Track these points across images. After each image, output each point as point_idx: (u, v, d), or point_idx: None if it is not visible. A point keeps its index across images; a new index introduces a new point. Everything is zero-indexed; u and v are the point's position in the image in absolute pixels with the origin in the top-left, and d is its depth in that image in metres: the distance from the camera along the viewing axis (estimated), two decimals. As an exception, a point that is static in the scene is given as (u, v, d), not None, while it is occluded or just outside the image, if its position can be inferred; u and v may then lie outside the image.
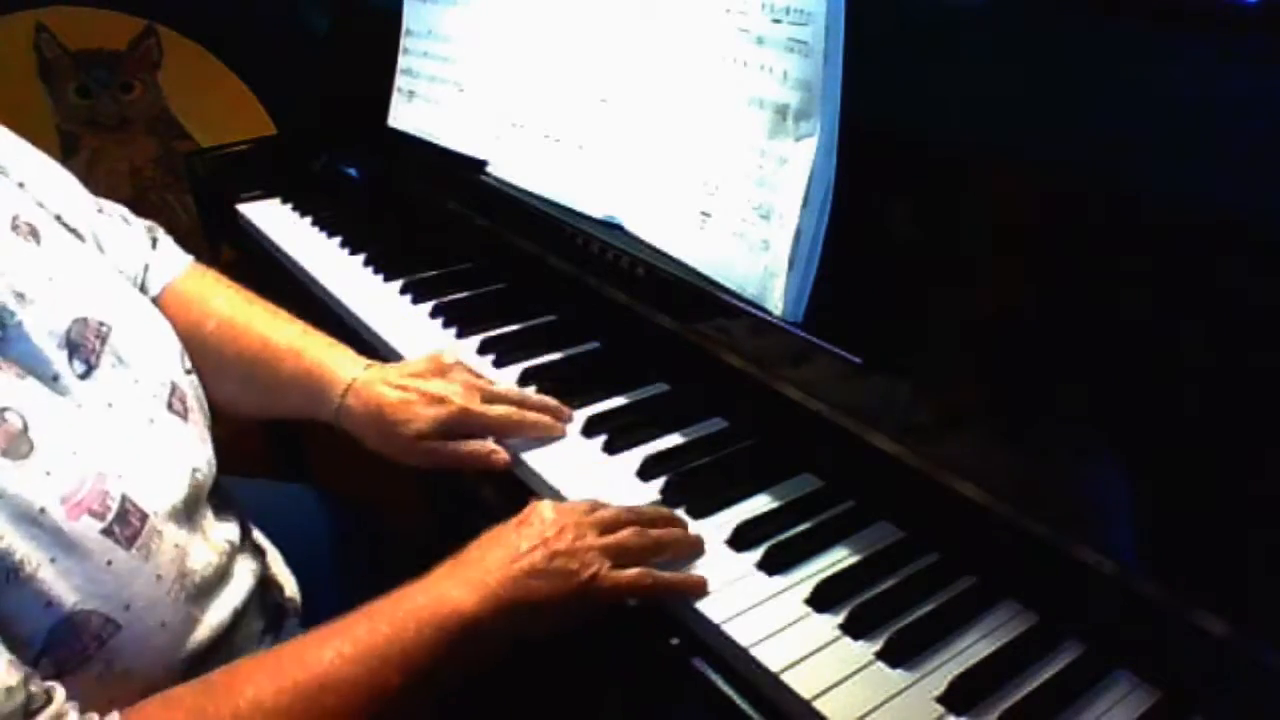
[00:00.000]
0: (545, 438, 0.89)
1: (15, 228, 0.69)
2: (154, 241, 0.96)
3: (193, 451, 0.75)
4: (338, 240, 1.37)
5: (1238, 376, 0.62)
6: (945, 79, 0.83)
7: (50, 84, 1.86)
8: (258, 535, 0.87)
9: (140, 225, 0.95)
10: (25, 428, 0.58)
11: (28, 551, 0.55)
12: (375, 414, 0.86)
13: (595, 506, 0.76)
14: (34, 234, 0.71)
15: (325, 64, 1.70)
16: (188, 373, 0.81)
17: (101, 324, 0.70)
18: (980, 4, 0.85)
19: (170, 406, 0.74)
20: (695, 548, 0.74)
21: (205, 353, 0.89)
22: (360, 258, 1.30)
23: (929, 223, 0.80)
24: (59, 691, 0.56)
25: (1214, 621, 0.59)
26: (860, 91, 0.77)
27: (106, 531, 0.60)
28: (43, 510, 0.57)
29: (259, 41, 1.93)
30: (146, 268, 0.92)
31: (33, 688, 0.54)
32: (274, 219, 1.47)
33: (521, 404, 0.90)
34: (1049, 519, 0.66)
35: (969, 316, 0.77)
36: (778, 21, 0.80)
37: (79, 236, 0.80)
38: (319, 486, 1.14)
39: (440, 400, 0.86)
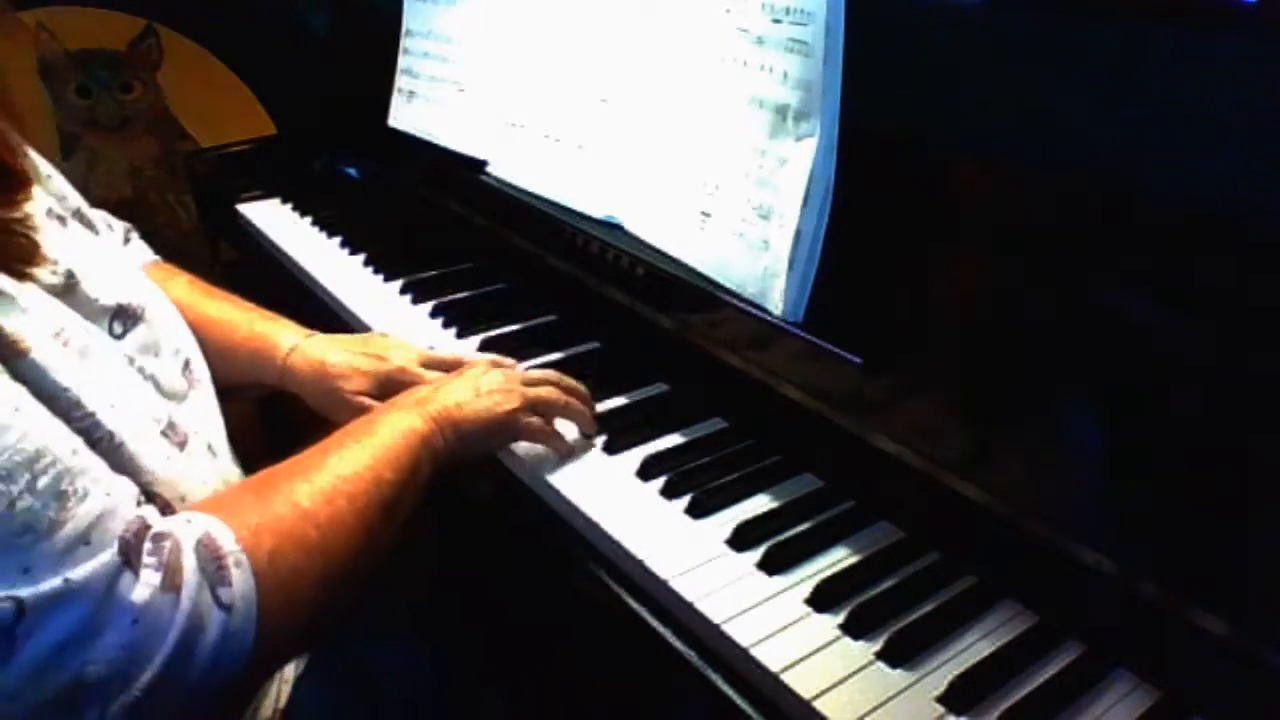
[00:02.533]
0: (549, 437, 0.89)
1: (49, 217, 0.73)
2: (127, 239, 1.01)
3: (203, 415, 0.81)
4: (338, 240, 1.37)
5: (1238, 376, 0.62)
6: (945, 79, 0.83)
7: (50, 84, 1.85)
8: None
9: (120, 227, 1.00)
10: (85, 351, 0.64)
11: (116, 426, 0.63)
12: (318, 371, 0.93)
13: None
14: (64, 225, 0.75)
15: (325, 64, 1.70)
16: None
17: (135, 305, 0.75)
18: (980, 4, 0.85)
19: (182, 374, 0.80)
20: (588, 420, 0.89)
21: None
22: (360, 258, 1.30)
23: (929, 223, 0.80)
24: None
25: (1214, 621, 0.59)
26: (860, 91, 0.77)
27: (163, 434, 0.69)
28: (112, 405, 0.64)
29: (259, 41, 1.92)
30: None
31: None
32: (274, 219, 1.47)
33: (453, 367, 0.94)
34: (1049, 519, 0.67)
35: (969, 316, 0.77)
36: (778, 21, 0.80)
37: (94, 230, 0.83)
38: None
39: (380, 359, 0.94)
